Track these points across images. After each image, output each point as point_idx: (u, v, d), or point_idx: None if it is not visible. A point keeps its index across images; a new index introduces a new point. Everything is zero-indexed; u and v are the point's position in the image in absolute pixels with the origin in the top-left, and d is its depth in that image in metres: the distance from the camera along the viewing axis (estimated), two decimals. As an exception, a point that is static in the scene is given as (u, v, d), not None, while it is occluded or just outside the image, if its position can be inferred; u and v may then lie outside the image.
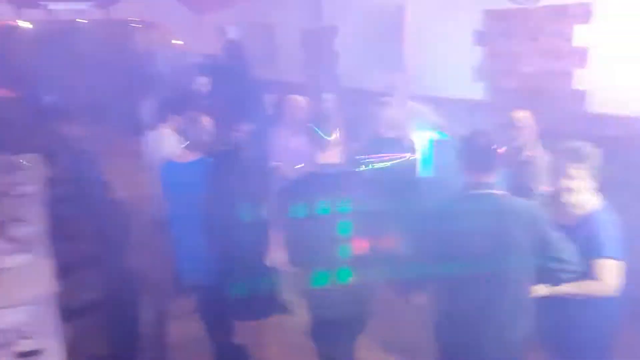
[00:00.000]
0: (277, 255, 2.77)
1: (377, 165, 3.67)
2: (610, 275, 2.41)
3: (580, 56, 4.65)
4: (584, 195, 2.50)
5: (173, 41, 15.57)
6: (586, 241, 2.42)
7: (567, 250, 2.32)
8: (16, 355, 2.28)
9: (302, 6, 8.93)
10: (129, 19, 15.49)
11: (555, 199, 2.54)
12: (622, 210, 2.56)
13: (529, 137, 3.65)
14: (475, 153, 2.34)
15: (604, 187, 2.60)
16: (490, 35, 5.64)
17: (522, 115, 3.75)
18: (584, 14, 4.58)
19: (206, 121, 3.43)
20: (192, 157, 3.35)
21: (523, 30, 5.21)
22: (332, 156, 2.64)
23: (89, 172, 5.44)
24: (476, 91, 5.85)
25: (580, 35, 4.65)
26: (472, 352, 2.37)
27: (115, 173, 5.46)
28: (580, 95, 4.65)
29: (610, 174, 3.45)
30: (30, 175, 4.87)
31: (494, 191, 2.32)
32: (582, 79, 4.68)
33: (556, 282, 2.40)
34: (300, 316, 2.99)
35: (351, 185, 2.62)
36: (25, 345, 2.34)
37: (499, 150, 2.32)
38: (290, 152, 4.14)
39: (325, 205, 2.54)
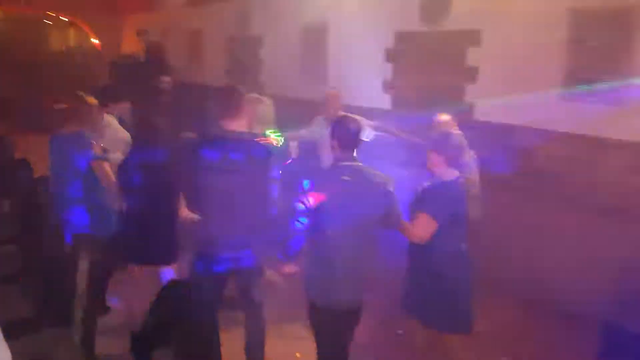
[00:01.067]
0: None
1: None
2: (421, 227, 3.04)
3: (471, 74, 5.51)
4: (443, 168, 3.16)
5: (92, 40, 15.36)
6: (423, 197, 3.13)
7: (397, 206, 2.97)
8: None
9: (230, 15, 9.40)
10: (46, 14, 15.11)
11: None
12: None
13: None
14: (345, 133, 2.92)
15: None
16: (398, 53, 6.43)
17: (445, 118, 4.30)
18: (475, 39, 5.45)
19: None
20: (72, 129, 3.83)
21: (425, 50, 6.03)
22: (240, 125, 3.22)
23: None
24: (385, 102, 6.60)
25: (472, 56, 5.52)
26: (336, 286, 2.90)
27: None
28: (469, 106, 5.50)
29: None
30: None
31: (355, 163, 2.92)
32: (471, 92, 5.54)
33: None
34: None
35: (246, 147, 3.15)
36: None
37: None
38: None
39: (220, 159, 3.08)
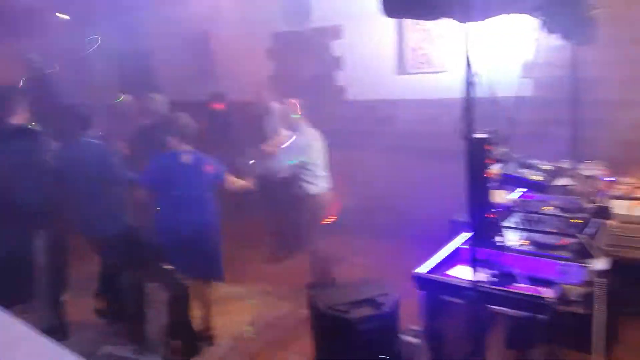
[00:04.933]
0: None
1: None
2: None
3: (338, 62, 6.56)
4: None
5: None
6: None
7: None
8: None
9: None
10: None
11: None
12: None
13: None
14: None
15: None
16: (278, 52, 7.35)
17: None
18: (337, 33, 6.51)
19: None
20: None
21: (298, 46, 6.99)
22: None
23: None
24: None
25: (336, 47, 6.57)
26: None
27: None
28: (339, 89, 6.56)
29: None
30: None
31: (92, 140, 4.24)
32: (340, 78, 6.61)
33: None
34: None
35: None
36: None
37: None
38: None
39: None
